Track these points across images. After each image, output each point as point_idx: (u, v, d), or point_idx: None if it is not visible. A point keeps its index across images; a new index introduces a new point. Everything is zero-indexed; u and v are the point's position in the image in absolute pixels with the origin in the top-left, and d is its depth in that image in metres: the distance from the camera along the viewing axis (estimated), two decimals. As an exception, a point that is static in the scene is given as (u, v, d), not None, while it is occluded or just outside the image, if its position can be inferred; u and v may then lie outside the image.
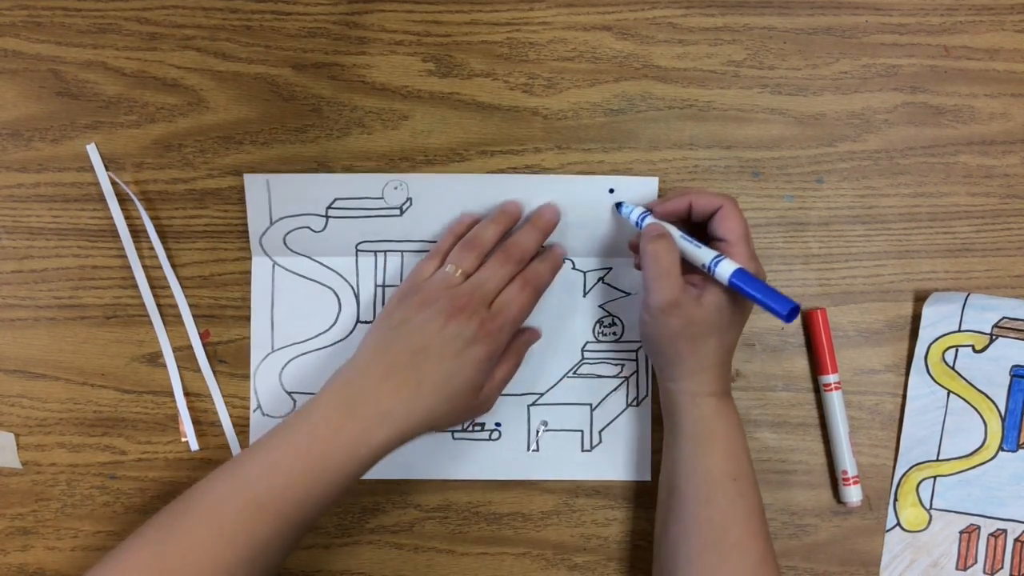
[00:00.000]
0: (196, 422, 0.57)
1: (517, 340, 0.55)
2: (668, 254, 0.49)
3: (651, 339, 0.52)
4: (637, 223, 0.53)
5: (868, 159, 0.58)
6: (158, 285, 0.57)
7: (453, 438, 0.58)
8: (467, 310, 0.49)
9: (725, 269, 0.48)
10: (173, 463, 0.57)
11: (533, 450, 0.58)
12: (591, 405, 0.58)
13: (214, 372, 0.57)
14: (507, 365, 0.53)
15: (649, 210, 0.53)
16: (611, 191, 0.56)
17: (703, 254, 0.50)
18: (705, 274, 0.50)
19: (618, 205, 0.56)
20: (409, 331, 0.49)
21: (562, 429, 0.58)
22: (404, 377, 0.48)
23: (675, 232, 0.51)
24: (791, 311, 0.45)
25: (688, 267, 0.51)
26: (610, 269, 0.58)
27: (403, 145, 0.58)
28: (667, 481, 0.53)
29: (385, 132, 0.58)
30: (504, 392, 0.57)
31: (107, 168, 0.57)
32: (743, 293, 0.48)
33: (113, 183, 0.56)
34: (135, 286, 0.57)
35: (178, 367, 0.57)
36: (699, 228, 0.53)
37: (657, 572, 0.53)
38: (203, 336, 0.57)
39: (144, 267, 0.57)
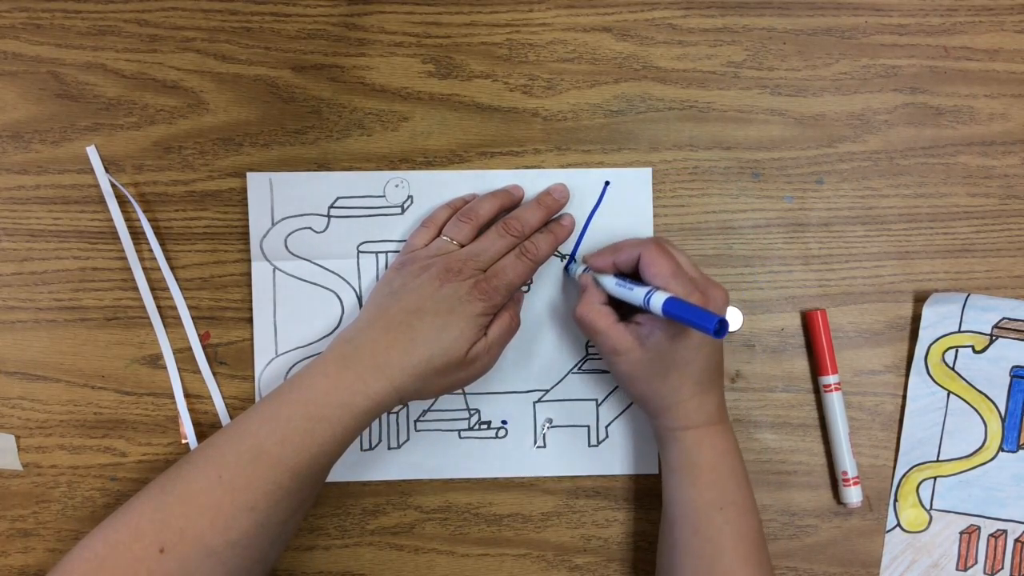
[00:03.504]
0: (196, 424, 0.57)
1: (511, 299, 0.54)
2: (590, 310, 0.52)
3: (616, 381, 0.56)
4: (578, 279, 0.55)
5: (868, 160, 0.58)
6: (158, 287, 0.57)
7: (460, 437, 0.58)
8: (462, 274, 0.50)
9: (657, 303, 0.48)
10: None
11: (540, 447, 0.58)
12: (597, 400, 0.58)
13: (214, 374, 0.57)
14: (501, 322, 0.52)
15: (588, 266, 0.55)
16: (607, 183, 0.57)
17: (636, 295, 0.50)
18: (651, 315, 0.49)
19: (566, 268, 0.57)
20: (406, 293, 0.51)
21: (568, 425, 0.58)
22: (399, 333, 0.49)
23: (610, 281, 0.52)
24: (717, 326, 0.44)
25: (638, 309, 0.50)
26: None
27: (403, 146, 0.58)
28: (664, 508, 0.54)
29: (385, 134, 0.58)
30: (510, 390, 0.57)
31: (107, 170, 0.57)
32: (678, 320, 0.47)
33: (112, 185, 0.56)
34: (135, 288, 0.57)
35: (178, 369, 0.57)
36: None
37: None
38: (203, 338, 0.57)
39: (144, 269, 0.57)
